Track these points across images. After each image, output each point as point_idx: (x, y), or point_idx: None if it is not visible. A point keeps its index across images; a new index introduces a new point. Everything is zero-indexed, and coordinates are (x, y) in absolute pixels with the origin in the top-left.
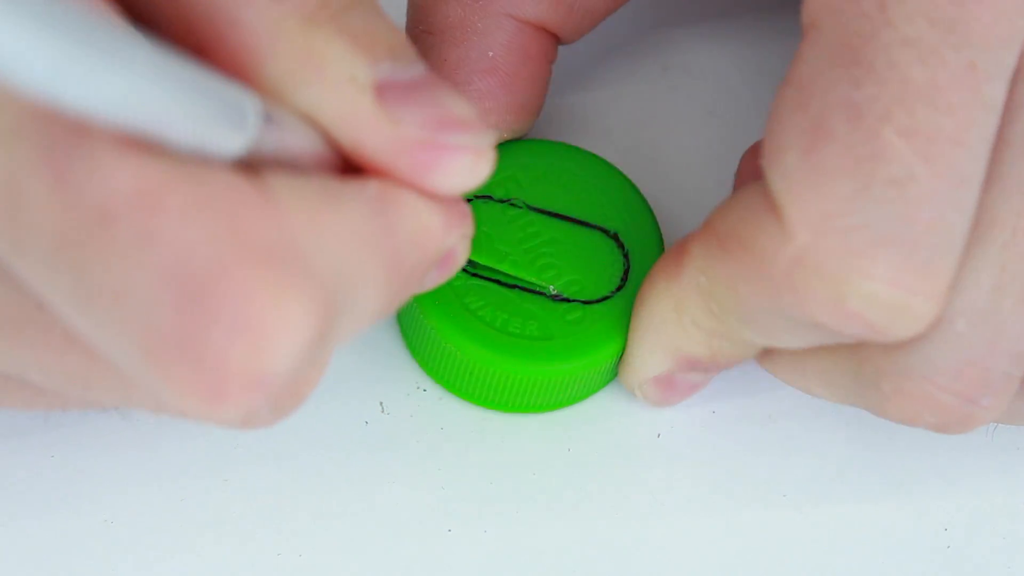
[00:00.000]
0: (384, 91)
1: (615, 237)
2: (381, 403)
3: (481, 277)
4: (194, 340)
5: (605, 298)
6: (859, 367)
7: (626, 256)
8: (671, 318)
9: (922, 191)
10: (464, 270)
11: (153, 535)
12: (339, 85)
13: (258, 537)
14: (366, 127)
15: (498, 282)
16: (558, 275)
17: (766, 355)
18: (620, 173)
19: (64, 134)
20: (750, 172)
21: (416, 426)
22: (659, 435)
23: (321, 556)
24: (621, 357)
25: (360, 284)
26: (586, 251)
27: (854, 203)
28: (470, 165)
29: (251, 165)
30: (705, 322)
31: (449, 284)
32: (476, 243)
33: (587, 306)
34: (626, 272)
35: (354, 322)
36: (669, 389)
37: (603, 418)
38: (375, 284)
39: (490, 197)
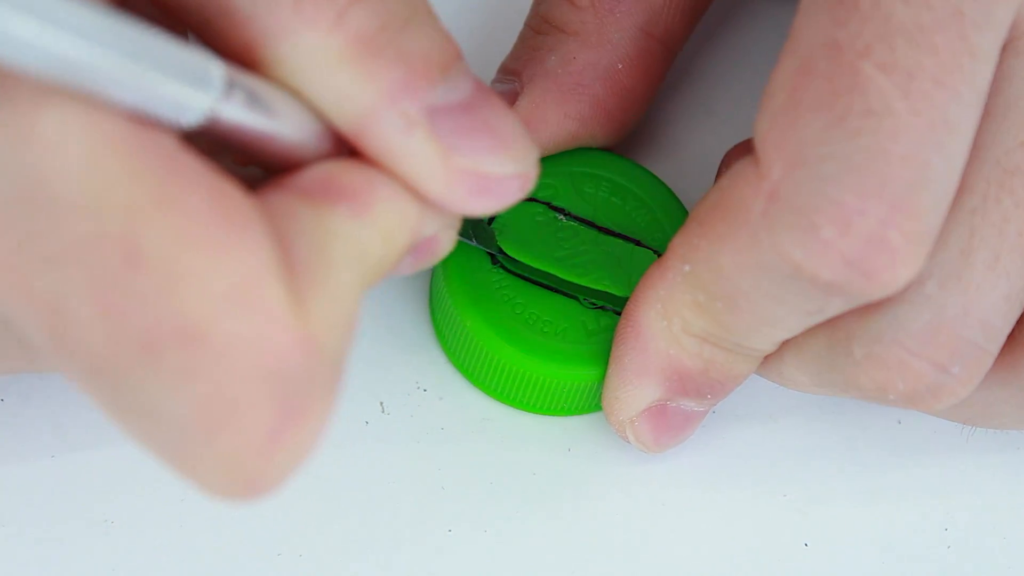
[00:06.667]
0: (437, 117)
1: (653, 250)
2: (381, 403)
3: (519, 276)
4: (222, 460)
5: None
6: (832, 336)
7: None
8: (659, 328)
9: (898, 124)
10: (506, 268)
11: (153, 535)
12: (392, 117)
13: (258, 537)
14: (415, 157)
15: (535, 282)
16: (595, 279)
17: None
18: (669, 191)
19: (115, 263)
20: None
21: (416, 426)
22: None
23: (321, 556)
24: (604, 391)
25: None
26: (623, 261)
27: (828, 133)
28: (515, 190)
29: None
30: (695, 323)
31: (486, 282)
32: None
33: (615, 316)
34: None
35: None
36: (662, 423)
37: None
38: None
39: (535, 200)
